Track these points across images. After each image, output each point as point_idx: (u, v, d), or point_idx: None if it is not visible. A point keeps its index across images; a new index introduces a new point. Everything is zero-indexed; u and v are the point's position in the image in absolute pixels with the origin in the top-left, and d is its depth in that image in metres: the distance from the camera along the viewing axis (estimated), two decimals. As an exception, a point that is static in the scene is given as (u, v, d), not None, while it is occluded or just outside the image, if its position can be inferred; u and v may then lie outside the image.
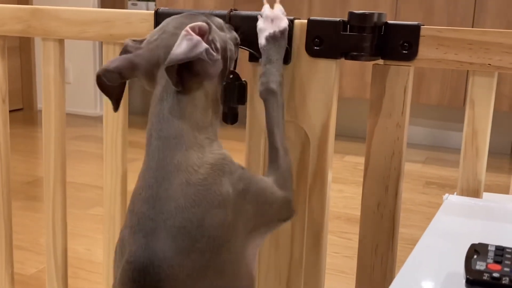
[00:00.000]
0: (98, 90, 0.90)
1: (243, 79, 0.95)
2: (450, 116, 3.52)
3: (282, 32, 0.89)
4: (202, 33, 0.76)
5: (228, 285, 0.73)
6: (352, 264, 1.25)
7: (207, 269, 0.71)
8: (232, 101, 0.96)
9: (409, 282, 0.63)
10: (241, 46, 0.92)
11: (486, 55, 0.87)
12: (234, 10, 0.95)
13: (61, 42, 1.14)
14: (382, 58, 0.92)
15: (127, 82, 0.87)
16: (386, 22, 0.90)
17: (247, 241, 0.77)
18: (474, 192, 0.94)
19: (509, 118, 3.38)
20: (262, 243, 0.85)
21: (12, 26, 1.16)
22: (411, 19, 2.87)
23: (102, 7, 4.13)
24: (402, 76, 0.92)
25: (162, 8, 1.01)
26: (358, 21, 0.88)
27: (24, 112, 4.39)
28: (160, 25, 0.83)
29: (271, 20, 0.90)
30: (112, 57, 1.09)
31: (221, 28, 0.84)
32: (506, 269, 0.60)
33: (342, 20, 0.90)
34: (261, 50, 0.89)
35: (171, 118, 0.75)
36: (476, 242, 0.66)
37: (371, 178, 0.96)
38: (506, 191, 2.37)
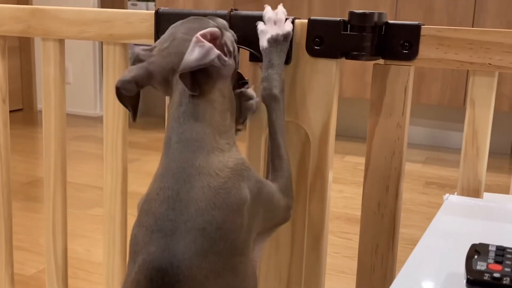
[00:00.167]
0: (98, 90, 0.90)
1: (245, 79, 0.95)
2: (450, 116, 3.52)
3: (285, 36, 0.89)
4: (213, 37, 0.77)
5: (240, 285, 0.75)
6: (352, 264, 1.24)
7: (223, 270, 0.72)
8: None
9: (410, 282, 0.63)
10: (242, 46, 0.92)
11: (487, 55, 0.87)
12: (235, 10, 0.95)
13: (61, 42, 1.14)
14: (382, 58, 0.92)
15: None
16: (387, 22, 0.90)
17: (255, 243, 0.78)
18: (474, 192, 0.93)
19: (509, 118, 3.38)
20: (264, 245, 0.86)
21: (12, 26, 1.16)
22: (411, 19, 2.87)
23: (102, 7, 4.13)
24: (403, 76, 0.92)
25: (162, 8, 1.01)
26: (359, 21, 0.88)
27: (24, 112, 4.39)
28: (169, 32, 0.83)
29: (273, 22, 0.89)
30: (112, 57, 1.09)
31: (226, 30, 0.84)
32: (507, 269, 0.59)
33: (343, 19, 0.90)
34: (262, 52, 0.89)
35: (192, 121, 0.76)
36: (477, 242, 0.66)
37: (371, 178, 0.96)
38: (506, 191, 2.37)
